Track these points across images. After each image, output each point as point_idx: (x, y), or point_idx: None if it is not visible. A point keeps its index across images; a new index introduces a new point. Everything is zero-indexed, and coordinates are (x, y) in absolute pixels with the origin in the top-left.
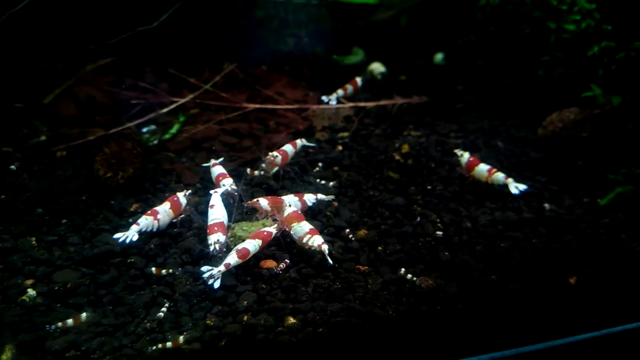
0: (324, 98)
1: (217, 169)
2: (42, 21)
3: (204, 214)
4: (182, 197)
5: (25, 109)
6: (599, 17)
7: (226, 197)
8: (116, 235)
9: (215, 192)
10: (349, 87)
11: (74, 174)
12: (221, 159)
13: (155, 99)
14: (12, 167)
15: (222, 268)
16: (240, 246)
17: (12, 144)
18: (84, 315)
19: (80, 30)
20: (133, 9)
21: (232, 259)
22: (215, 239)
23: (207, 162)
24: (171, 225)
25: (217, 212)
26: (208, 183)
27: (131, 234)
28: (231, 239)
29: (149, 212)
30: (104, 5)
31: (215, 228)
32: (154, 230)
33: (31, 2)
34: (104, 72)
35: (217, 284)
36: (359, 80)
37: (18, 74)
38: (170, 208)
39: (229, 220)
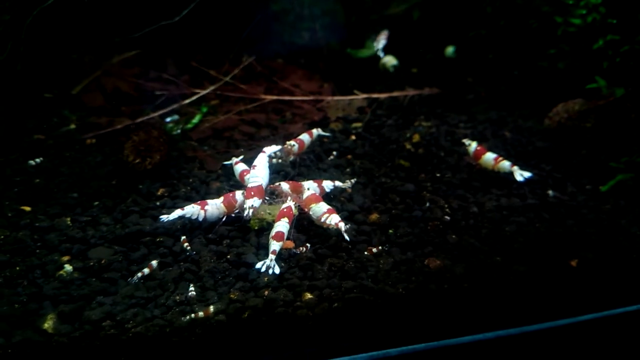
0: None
1: (241, 166)
2: (70, 15)
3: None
4: (239, 194)
5: (55, 99)
6: (604, 11)
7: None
8: (161, 217)
9: (264, 151)
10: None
11: (103, 160)
12: (241, 157)
13: (177, 91)
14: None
15: (272, 256)
16: (273, 232)
17: (44, 132)
18: (154, 262)
19: (106, 24)
20: (156, 4)
21: (275, 245)
22: (251, 204)
23: (228, 160)
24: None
25: (258, 174)
26: (230, 169)
27: (172, 217)
28: (255, 220)
29: (199, 202)
30: (128, 0)
31: (252, 192)
32: (200, 220)
33: None
34: (129, 65)
35: (277, 270)
36: (385, 32)
37: (47, 66)
38: (223, 203)
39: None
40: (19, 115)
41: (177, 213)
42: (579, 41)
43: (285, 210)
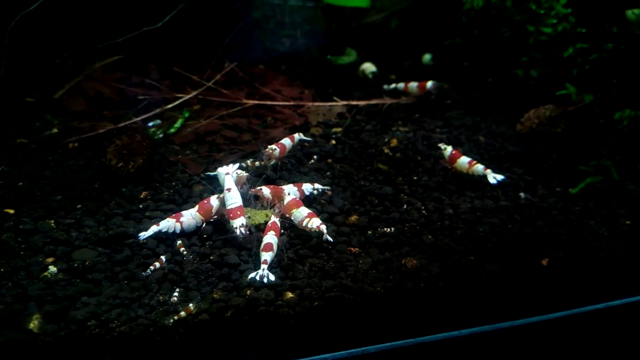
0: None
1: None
2: (53, 21)
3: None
4: (214, 199)
5: (37, 104)
6: (573, 20)
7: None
8: (139, 235)
9: (227, 173)
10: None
11: (86, 164)
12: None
13: (160, 95)
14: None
15: (264, 266)
16: (263, 243)
17: (26, 136)
18: (163, 257)
19: (88, 30)
20: (138, 10)
21: (265, 255)
22: (240, 223)
23: (212, 171)
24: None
25: (234, 195)
26: (211, 171)
27: (148, 234)
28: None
29: (174, 215)
30: (111, 6)
31: (238, 212)
32: (177, 232)
33: (43, 3)
34: (111, 70)
35: (272, 277)
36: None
37: (29, 70)
38: (198, 211)
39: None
40: (1, 119)
41: (153, 229)
42: (550, 49)
43: (271, 224)
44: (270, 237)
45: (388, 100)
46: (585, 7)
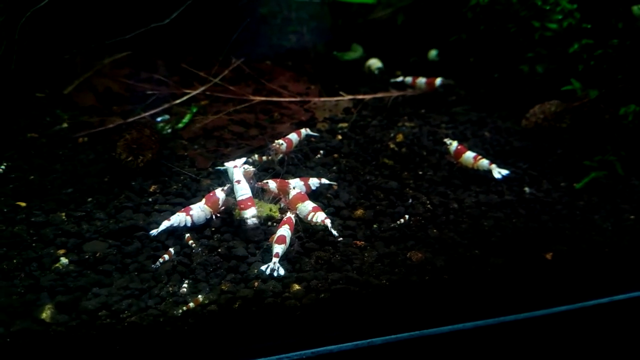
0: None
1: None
2: (63, 17)
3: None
4: (219, 192)
5: (47, 99)
6: (579, 16)
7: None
8: (151, 232)
9: (236, 166)
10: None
11: (96, 158)
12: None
13: (168, 91)
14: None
15: (275, 259)
16: (276, 235)
17: (37, 130)
18: (172, 250)
19: (97, 26)
20: (147, 7)
21: (277, 248)
22: (251, 213)
23: (221, 166)
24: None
25: (244, 187)
26: (219, 166)
27: (161, 229)
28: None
29: (183, 209)
30: (119, 2)
31: (249, 203)
32: (188, 225)
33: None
34: (120, 65)
35: (282, 272)
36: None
37: (40, 66)
38: (206, 204)
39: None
40: (12, 114)
41: (165, 225)
42: (556, 45)
43: (286, 219)
44: (285, 230)
45: (394, 93)
46: (591, 2)
